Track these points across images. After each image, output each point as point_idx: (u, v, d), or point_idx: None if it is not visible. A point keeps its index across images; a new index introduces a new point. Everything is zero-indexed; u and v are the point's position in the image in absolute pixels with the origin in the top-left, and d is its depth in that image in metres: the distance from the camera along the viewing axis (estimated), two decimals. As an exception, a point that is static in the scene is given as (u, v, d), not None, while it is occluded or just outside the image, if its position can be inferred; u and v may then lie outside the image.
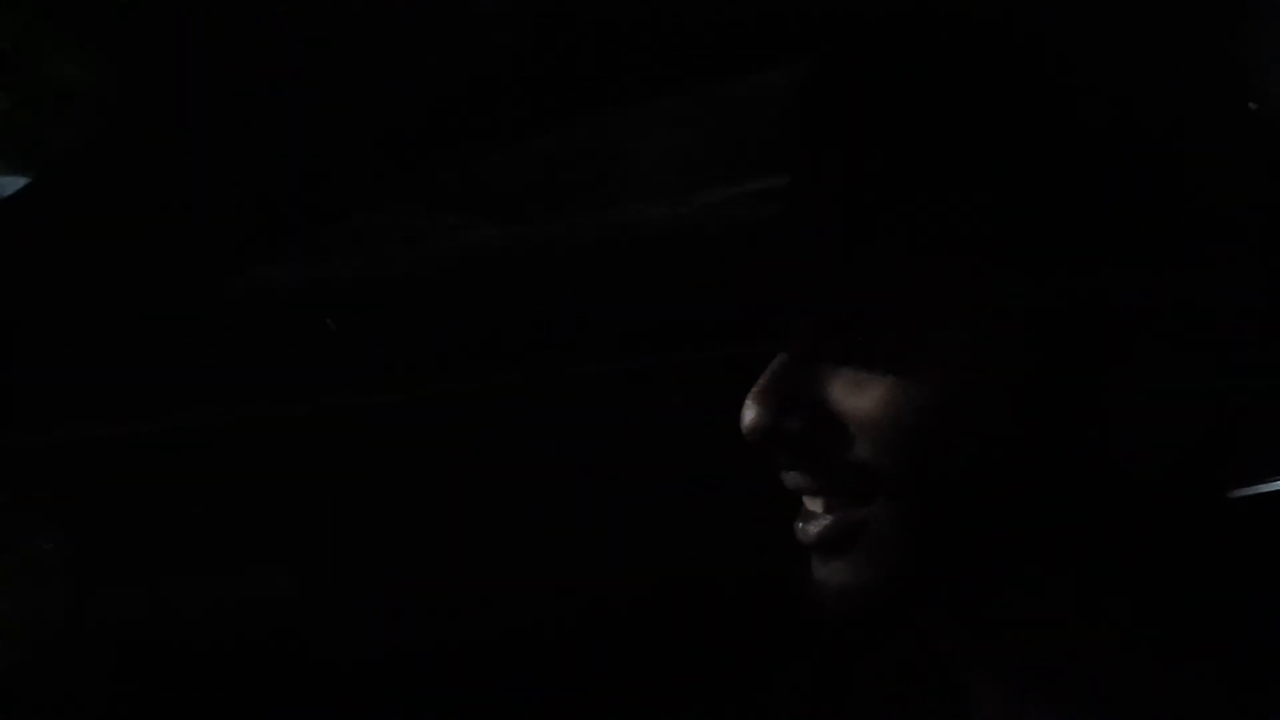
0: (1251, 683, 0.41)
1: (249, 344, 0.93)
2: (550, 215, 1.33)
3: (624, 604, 0.94)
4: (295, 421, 0.94)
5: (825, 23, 0.50)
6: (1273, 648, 0.42)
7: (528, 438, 0.96)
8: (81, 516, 0.89)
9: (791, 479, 0.44)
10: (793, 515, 0.45)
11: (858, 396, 0.41)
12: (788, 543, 0.45)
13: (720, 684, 0.80)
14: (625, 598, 0.94)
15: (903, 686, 0.50)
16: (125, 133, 0.80)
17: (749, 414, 0.44)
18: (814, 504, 0.44)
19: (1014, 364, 0.40)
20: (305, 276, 1.02)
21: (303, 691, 1.06)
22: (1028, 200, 0.39)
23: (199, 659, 0.93)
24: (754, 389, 0.44)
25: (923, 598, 0.44)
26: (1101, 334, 0.39)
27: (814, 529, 0.44)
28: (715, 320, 0.91)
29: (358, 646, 0.97)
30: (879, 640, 0.53)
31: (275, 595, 0.93)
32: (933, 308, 0.40)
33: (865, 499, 0.42)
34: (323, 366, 0.93)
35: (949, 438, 0.40)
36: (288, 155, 0.79)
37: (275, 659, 1.06)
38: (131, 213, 0.80)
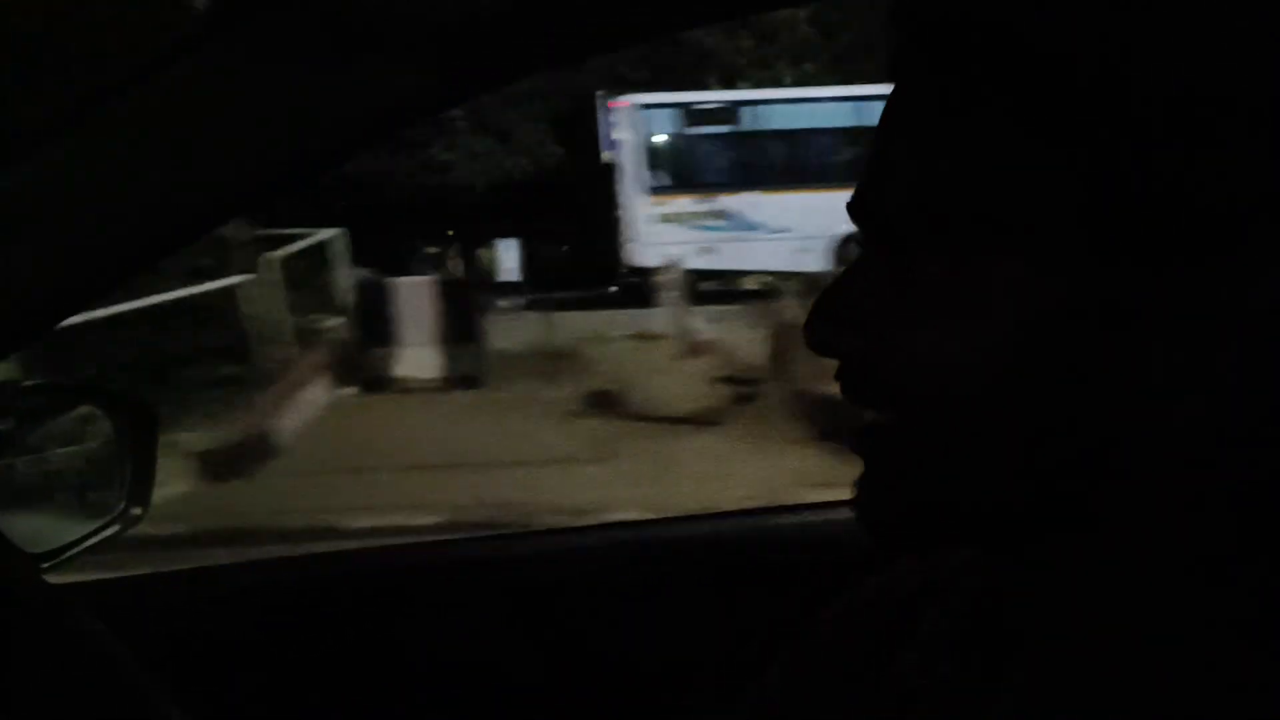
0: (1257, 681, 0.40)
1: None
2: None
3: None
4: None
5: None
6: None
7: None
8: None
9: (844, 389, 0.47)
10: None
11: (913, 327, 0.43)
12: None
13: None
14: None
15: (955, 636, 0.51)
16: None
17: (810, 326, 0.46)
18: (865, 416, 0.47)
19: (1062, 331, 0.41)
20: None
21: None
22: (1107, 189, 0.39)
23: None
24: (817, 302, 0.46)
25: (945, 526, 0.46)
26: (1140, 321, 0.40)
27: (857, 438, 0.47)
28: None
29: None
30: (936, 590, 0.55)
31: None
32: (999, 265, 0.41)
33: (905, 419, 0.45)
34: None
35: (994, 382, 0.42)
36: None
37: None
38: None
